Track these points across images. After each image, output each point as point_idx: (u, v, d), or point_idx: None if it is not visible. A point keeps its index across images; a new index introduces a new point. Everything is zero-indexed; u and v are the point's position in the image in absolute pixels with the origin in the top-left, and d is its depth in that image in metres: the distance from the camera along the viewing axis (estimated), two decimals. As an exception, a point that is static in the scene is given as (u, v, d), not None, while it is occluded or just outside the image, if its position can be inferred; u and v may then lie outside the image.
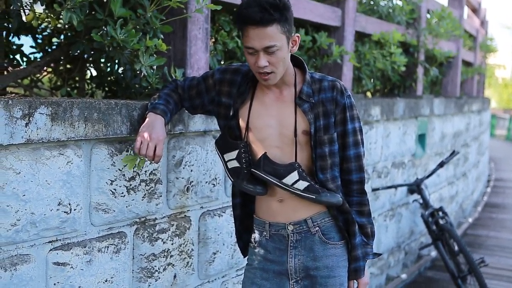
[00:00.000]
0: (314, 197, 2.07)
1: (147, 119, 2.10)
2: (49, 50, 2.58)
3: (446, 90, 7.01)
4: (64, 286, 1.98)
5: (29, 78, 2.63)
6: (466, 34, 7.50)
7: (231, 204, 2.36)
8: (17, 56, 2.55)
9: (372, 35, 4.47)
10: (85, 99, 2.06)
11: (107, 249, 2.13)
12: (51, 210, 1.92)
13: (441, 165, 4.75)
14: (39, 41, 2.56)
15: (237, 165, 2.12)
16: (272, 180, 2.07)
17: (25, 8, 2.27)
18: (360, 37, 4.58)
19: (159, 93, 2.23)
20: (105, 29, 2.24)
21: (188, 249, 2.54)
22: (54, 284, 1.95)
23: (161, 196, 2.37)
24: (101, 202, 2.10)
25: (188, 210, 2.53)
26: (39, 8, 2.27)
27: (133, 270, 2.27)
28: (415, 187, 4.81)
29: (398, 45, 4.62)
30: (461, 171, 7.22)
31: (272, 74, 1.99)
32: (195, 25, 2.61)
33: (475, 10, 9.21)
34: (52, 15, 2.21)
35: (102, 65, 2.56)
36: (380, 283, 4.72)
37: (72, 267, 2.00)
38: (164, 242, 2.39)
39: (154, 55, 2.38)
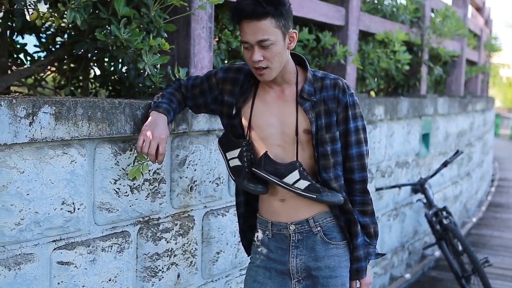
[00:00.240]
0: (315, 196, 2.06)
1: (150, 118, 2.10)
2: (53, 49, 2.58)
3: (450, 90, 6.99)
4: (68, 286, 1.99)
5: (33, 77, 2.63)
6: (470, 33, 7.48)
7: (234, 203, 2.35)
8: (21, 55, 2.56)
9: (376, 34, 4.46)
10: (88, 98, 2.06)
11: (111, 249, 2.14)
12: (55, 209, 1.92)
13: (445, 164, 4.74)
14: (43, 40, 2.57)
15: (239, 163, 2.12)
16: (273, 179, 2.07)
17: (29, 7, 2.27)
18: (364, 36, 4.57)
19: (162, 92, 2.23)
20: (109, 28, 2.24)
21: (192, 249, 2.54)
22: (58, 283, 1.95)
23: (164, 195, 2.37)
24: (104, 201, 2.10)
25: (191, 210, 2.53)
26: (43, 7, 2.27)
27: (136, 269, 2.27)
28: (419, 187, 4.79)
29: (402, 44, 4.61)
30: (465, 171, 7.21)
31: (267, 69, 1.99)
32: (198, 24, 2.61)
33: (479, 9, 9.19)
34: (56, 14, 2.20)
35: (105, 64, 2.57)
36: (384, 283, 4.71)
37: (76, 266, 2.00)
38: (167, 242, 2.39)
39: (158, 54, 2.38)
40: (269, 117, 2.10)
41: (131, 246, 2.23)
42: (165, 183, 2.37)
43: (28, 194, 1.83)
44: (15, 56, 2.56)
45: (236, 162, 2.13)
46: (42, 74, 2.63)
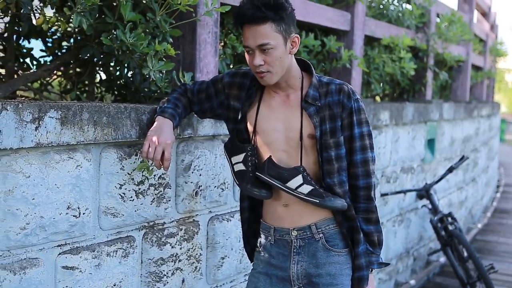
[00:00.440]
0: (317, 201, 2.05)
1: (155, 123, 2.10)
2: (59, 53, 2.59)
3: (456, 95, 6.98)
4: (73, 290, 1.99)
5: (39, 81, 2.64)
6: (476, 38, 7.46)
7: (239, 208, 2.35)
8: (27, 60, 2.57)
9: (381, 39, 4.46)
10: (94, 103, 2.07)
11: (116, 253, 2.14)
12: (60, 214, 1.92)
13: (450, 170, 4.72)
14: (49, 44, 2.58)
15: (243, 168, 2.12)
16: (276, 184, 2.07)
17: (35, 11, 2.28)
18: (370, 41, 4.57)
19: (168, 97, 2.23)
20: (115, 33, 2.24)
21: (197, 254, 2.53)
22: (63, 288, 1.96)
23: (169, 200, 2.37)
24: (110, 206, 2.10)
25: (196, 215, 2.53)
26: (49, 12, 2.28)
27: (141, 274, 2.27)
28: (424, 192, 4.78)
29: (408, 50, 4.61)
30: (471, 176, 7.19)
31: (268, 73, 2.00)
32: (204, 29, 2.61)
33: (485, 14, 9.17)
34: (62, 19, 2.21)
35: (111, 69, 2.57)
36: (389, 289, 4.69)
37: (80, 271, 2.00)
38: (172, 247, 2.39)
39: (164, 59, 2.38)
40: (274, 122, 2.10)
41: (136, 251, 2.23)
42: (170, 188, 2.37)
43: (33, 199, 1.83)
44: (21, 60, 2.57)
45: (241, 167, 2.13)
46: (48, 78, 2.64)
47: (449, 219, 4.69)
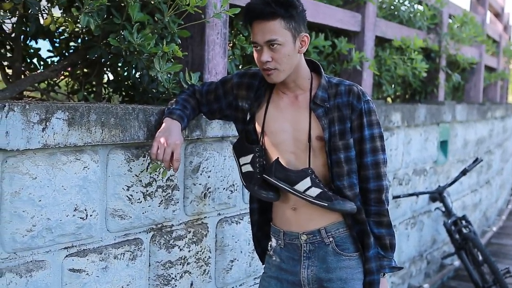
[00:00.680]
0: (326, 204, 2.03)
1: (163, 124, 2.09)
2: (67, 54, 2.59)
3: (469, 96, 6.91)
4: (80, 293, 1.98)
5: (46, 82, 2.64)
6: (489, 39, 7.40)
7: (249, 210, 2.33)
8: (35, 60, 2.57)
9: (392, 41, 4.43)
10: (102, 104, 2.06)
11: (123, 256, 2.12)
12: (67, 216, 1.91)
13: (464, 172, 4.68)
14: (57, 45, 2.58)
15: (251, 169, 2.11)
16: (284, 186, 2.05)
17: (43, 12, 2.28)
18: (381, 42, 4.54)
19: (176, 98, 2.22)
20: (123, 33, 2.24)
21: (205, 257, 2.51)
22: (70, 291, 1.94)
23: (178, 202, 2.35)
24: (117, 208, 2.09)
25: (205, 217, 2.51)
26: (57, 12, 2.28)
27: (149, 277, 2.25)
28: (437, 195, 4.74)
29: (419, 51, 4.57)
30: (485, 179, 7.11)
31: (275, 70, 1.99)
32: (213, 30, 2.60)
33: (498, 15, 9.10)
34: (69, 19, 2.21)
35: (119, 69, 2.57)
36: (401, 293, 4.65)
37: (87, 274, 1.99)
38: (181, 249, 2.37)
39: (172, 60, 2.37)
40: (282, 123, 2.08)
41: (143, 253, 2.21)
42: (178, 190, 2.35)
43: (40, 200, 1.82)
44: (28, 61, 2.57)
45: (248, 168, 2.12)
46: (56, 79, 2.64)
47: (463, 222, 4.64)
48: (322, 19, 3.55)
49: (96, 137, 1.96)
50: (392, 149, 4.23)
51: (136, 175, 2.15)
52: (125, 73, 2.55)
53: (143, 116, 2.13)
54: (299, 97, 2.08)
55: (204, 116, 2.33)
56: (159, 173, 2.23)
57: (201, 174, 2.46)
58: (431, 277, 5.23)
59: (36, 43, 2.55)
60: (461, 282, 5.21)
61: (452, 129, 5.54)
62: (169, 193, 2.31)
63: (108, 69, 2.64)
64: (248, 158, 2.11)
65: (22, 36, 2.47)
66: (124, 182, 2.11)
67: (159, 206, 2.26)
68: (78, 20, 2.13)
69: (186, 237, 2.40)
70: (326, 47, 3.61)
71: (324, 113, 2.04)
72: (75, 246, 1.96)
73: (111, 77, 2.68)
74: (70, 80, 2.70)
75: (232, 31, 3.04)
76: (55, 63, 2.56)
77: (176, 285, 2.36)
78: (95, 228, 2.02)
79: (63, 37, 2.57)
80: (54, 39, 2.56)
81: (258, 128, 2.13)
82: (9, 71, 2.52)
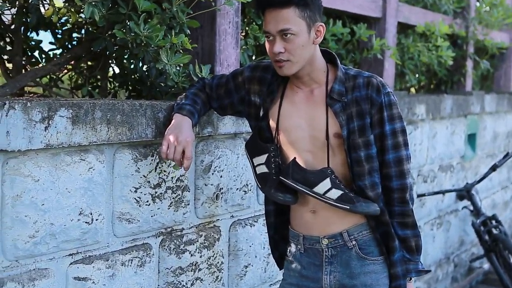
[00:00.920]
0: (348, 207, 2.02)
1: (173, 121, 2.09)
2: (70, 46, 2.60)
3: (499, 85, 6.85)
4: (86, 302, 1.99)
5: (48, 76, 2.65)
6: (520, 23, 7.32)
7: (264, 212, 2.33)
8: (36, 53, 2.58)
9: (416, 27, 4.39)
10: (107, 100, 2.06)
11: (131, 262, 2.13)
12: (71, 220, 1.92)
13: (493, 168, 4.65)
14: (59, 36, 2.58)
15: (266, 170, 2.10)
16: (302, 189, 2.04)
17: (44, 2, 2.28)
18: (403, 28, 4.51)
19: (185, 92, 2.22)
20: (129, 24, 2.23)
21: (218, 262, 2.52)
22: (75, 300, 1.95)
23: (188, 204, 2.36)
24: (124, 211, 2.10)
25: (217, 220, 2.51)
26: (59, 2, 2.29)
27: (158, 285, 2.26)
28: (464, 193, 4.71)
29: (445, 37, 4.54)
30: (515, 175, 7.07)
31: (288, 62, 1.97)
32: (224, 19, 2.59)
33: (530, -3, 9.00)
34: (72, 10, 2.21)
35: (125, 62, 2.57)
36: (426, 298, 4.64)
37: (93, 282, 2.00)
38: (192, 255, 2.38)
39: (181, 51, 2.36)
40: (296, 119, 2.07)
41: (152, 259, 2.22)
42: (189, 191, 2.35)
43: (43, 204, 1.83)
44: (29, 54, 2.58)
45: (263, 169, 2.11)
46: (58, 73, 2.65)
47: (493, 222, 4.62)
48: (340, 5, 3.53)
49: (102, 136, 1.96)
50: (416, 144, 4.21)
51: (144, 176, 2.15)
52: (132, 66, 2.55)
53: (151, 113, 2.13)
54: (315, 91, 2.06)
55: (215, 112, 2.33)
56: (168, 173, 2.23)
57: (212, 173, 2.46)
58: (459, 281, 5.21)
59: (37, 35, 2.55)
60: (491, 287, 5.18)
61: (480, 121, 5.50)
62: (179, 195, 2.31)
63: (114, 62, 2.64)
64: (263, 158, 2.10)
65: (22, 28, 2.47)
66: (132, 184, 2.11)
67: (168, 209, 2.26)
68: (82, 10, 2.13)
69: (198, 241, 2.41)
70: (344, 35, 3.59)
71: (342, 108, 2.03)
72: (80, 252, 1.97)
73: (117, 71, 2.68)
74: (73, 74, 2.71)
75: (245, 20, 3.02)
76: (58, 56, 2.57)
77: (187, 293, 2.37)
78: (101, 233, 2.03)
79: (66, 28, 2.57)
80: (56, 31, 2.56)
81: (273, 125, 2.11)
82: (9, 66, 2.52)
